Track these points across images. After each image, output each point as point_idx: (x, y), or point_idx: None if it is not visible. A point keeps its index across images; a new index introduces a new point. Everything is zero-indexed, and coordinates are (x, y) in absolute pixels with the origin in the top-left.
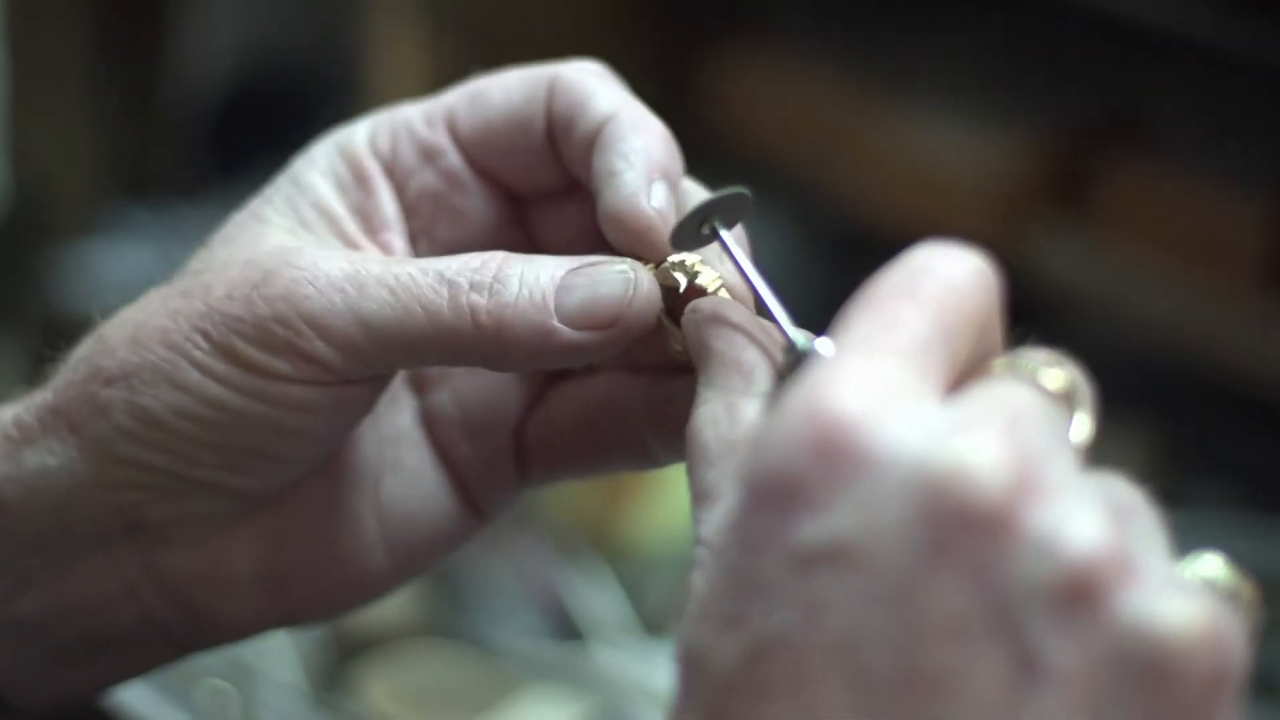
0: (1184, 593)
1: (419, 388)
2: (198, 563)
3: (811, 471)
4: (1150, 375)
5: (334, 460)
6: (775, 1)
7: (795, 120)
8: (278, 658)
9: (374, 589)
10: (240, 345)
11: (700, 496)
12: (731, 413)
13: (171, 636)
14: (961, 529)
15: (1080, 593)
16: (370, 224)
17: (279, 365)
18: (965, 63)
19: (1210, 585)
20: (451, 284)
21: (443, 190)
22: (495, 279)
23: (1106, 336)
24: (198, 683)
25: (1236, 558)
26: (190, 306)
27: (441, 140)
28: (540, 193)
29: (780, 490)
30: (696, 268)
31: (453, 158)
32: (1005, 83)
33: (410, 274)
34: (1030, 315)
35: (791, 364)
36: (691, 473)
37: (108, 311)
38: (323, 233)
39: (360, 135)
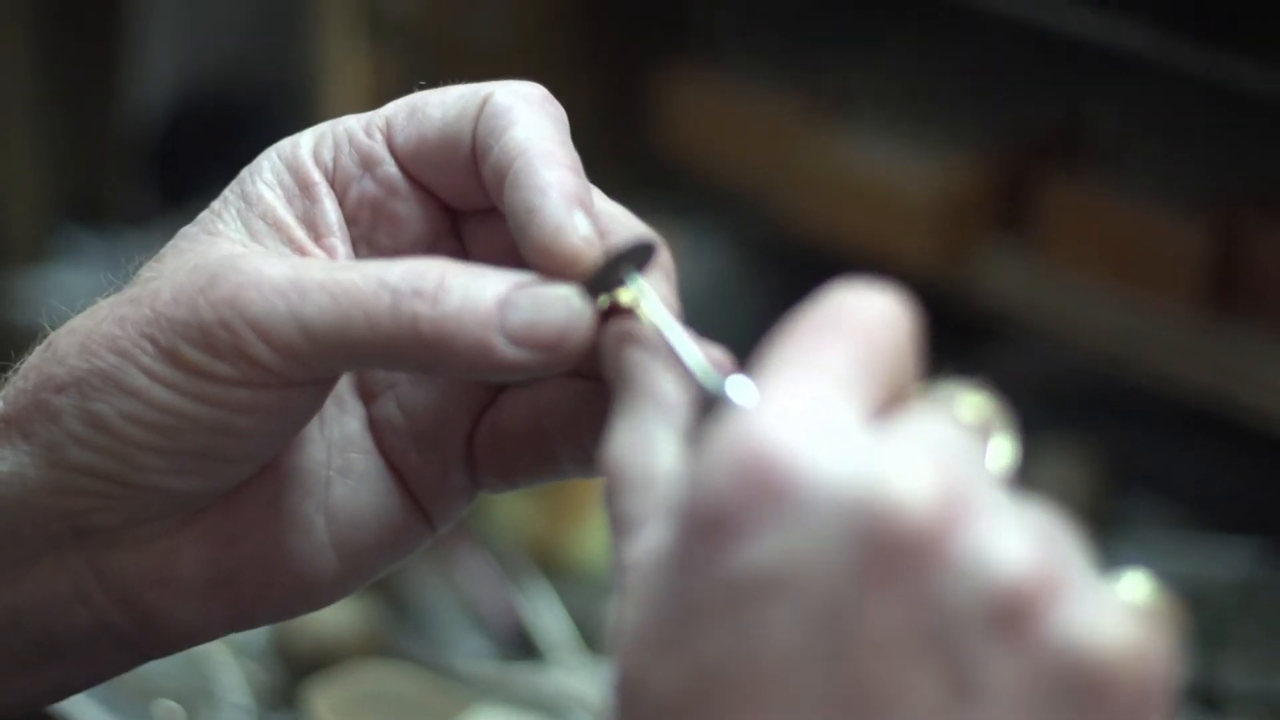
0: (1113, 610)
1: (366, 396)
2: (147, 564)
3: (743, 502)
4: (1093, 392)
5: (283, 463)
6: (718, 21)
7: (737, 138)
8: (227, 678)
9: (323, 593)
10: (185, 349)
11: (621, 524)
12: (650, 442)
13: (123, 640)
14: (893, 552)
15: (1012, 612)
16: (315, 230)
17: (223, 368)
18: (908, 81)
19: (1135, 604)
20: (394, 290)
21: (381, 197)
22: (439, 287)
23: (1048, 353)
24: (149, 703)
25: (1174, 574)
26: (138, 313)
27: (379, 149)
28: (471, 208)
29: (713, 522)
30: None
31: (390, 167)
32: (947, 101)
33: (353, 279)
34: (971, 332)
35: (707, 404)
36: (610, 501)
37: (57, 321)
38: (272, 242)
39: (304, 146)
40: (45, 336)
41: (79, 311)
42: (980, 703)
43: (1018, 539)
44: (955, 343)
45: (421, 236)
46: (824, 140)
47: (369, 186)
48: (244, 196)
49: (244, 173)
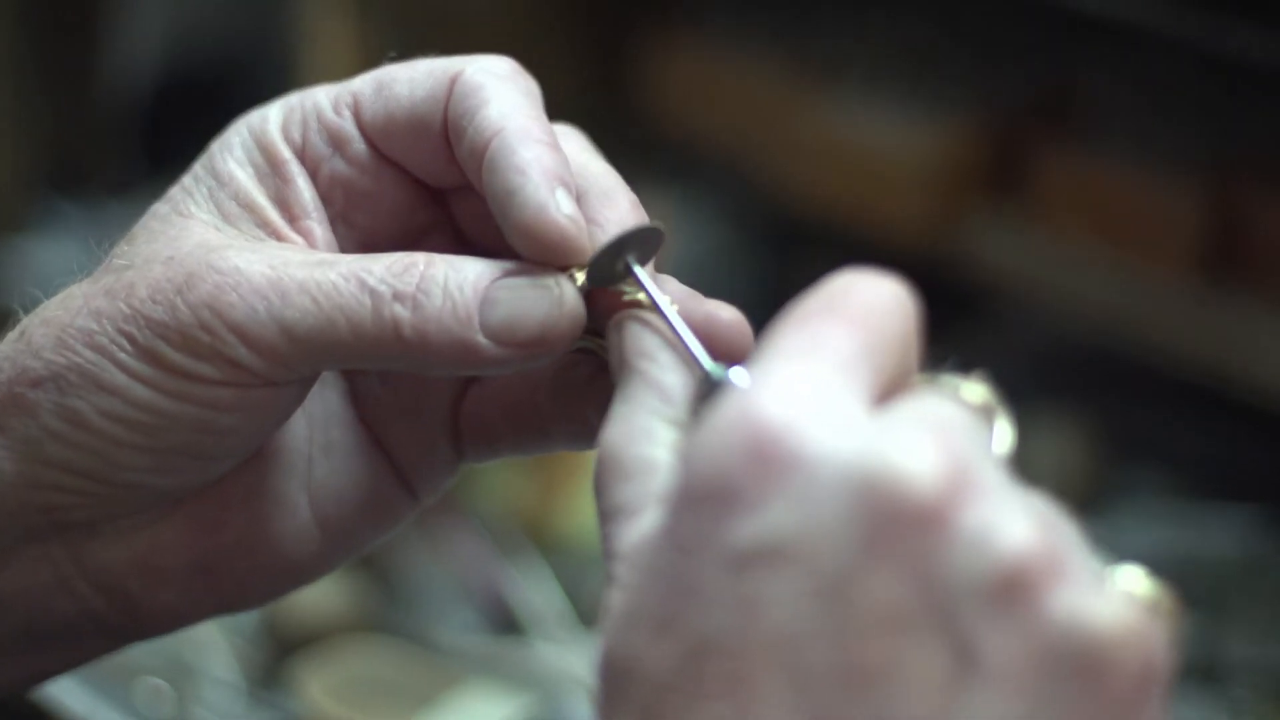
0: (1114, 592)
1: (347, 370)
2: (129, 555)
3: (745, 473)
4: (1086, 361)
5: (265, 445)
6: None
7: (727, 108)
8: (214, 655)
9: (308, 571)
10: (164, 350)
11: (613, 512)
12: (648, 432)
13: (108, 627)
14: (897, 525)
15: (1015, 588)
16: (290, 213)
17: (204, 369)
18: (898, 48)
19: (1132, 596)
20: (374, 293)
21: (353, 176)
22: (419, 288)
23: (1041, 322)
24: (135, 681)
25: (1173, 545)
26: (114, 308)
27: (348, 127)
28: (447, 185)
29: (714, 492)
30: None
31: (359, 145)
32: (939, 67)
33: (333, 281)
34: (964, 301)
35: (707, 393)
36: (603, 487)
37: (29, 305)
38: (246, 226)
39: (273, 122)
40: (17, 322)
41: (52, 289)
42: (981, 678)
43: (1021, 517)
44: (948, 313)
45: (398, 212)
46: (813, 107)
47: (340, 166)
48: (215, 174)
49: (213, 147)
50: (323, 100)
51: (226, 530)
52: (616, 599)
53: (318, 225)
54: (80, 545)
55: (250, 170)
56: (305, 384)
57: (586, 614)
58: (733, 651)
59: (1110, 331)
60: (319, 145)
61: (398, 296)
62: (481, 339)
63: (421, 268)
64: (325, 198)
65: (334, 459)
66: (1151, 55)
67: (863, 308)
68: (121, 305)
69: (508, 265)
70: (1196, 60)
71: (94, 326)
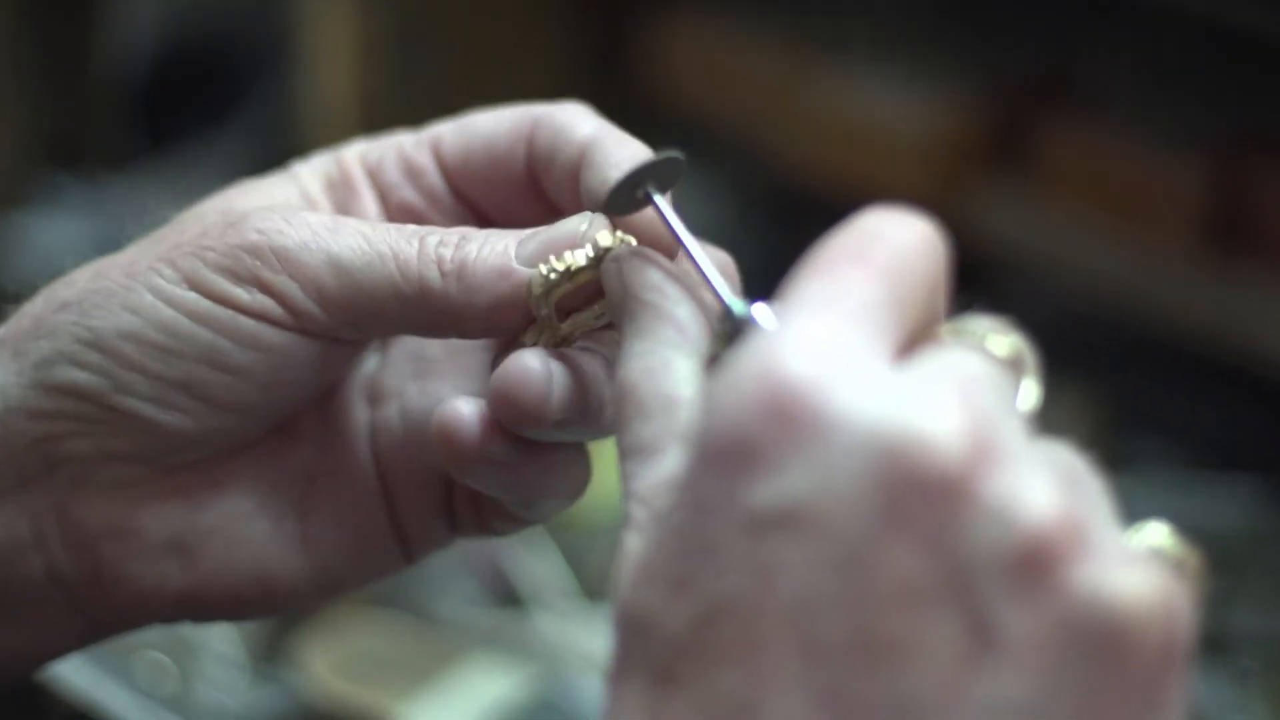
0: (1136, 564)
1: (374, 399)
2: (110, 513)
3: (765, 433)
4: (1091, 334)
5: (269, 444)
6: None
7: (730, 81)
8: (216, 630)
9: (281, 592)
10: (204, 271)
11: (633, 450)
12: (668, 367)
13: (73, 598)
14: (917, 495)
15: (1036, 562)
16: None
17: (238, 293)
18: (902, 20)
19: (1157, 554)
20: (422, 239)
21: (423, 208)
22: (462, 236)
23: (1046, 295)
24: (135, 655)
25: (1179, 517)
26: (160, 247)
27: (425, 161)
28: (513, 223)
29: (733, 452)
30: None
31: (434, 178)
32: (942, 40)
33: (386, 227)
34: (969, 275)
35: (730, 331)
36: (623, 425)
37: (30, 280)
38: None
39: (354, 147)
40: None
41: (61, 259)
42: (998, 655)
43: (1044, 486)
44: (952, 286)
45: None
46: (816, 83)
47: (410, 194)
48: (288, 174)
49: (296, 161)
50: (405, 138)
51: (209, 512)
52: (634, 544)
53: None
54: (65, 494)
55: (322, 179)
56: (324, 358)
57: (590, 587)
58: (746, 617)
59: (1114, 304)
60: (392, 173)
61: (443, 242)
62: (516, 263)
63: (469, 229)
64: (392, 221)
65: (337, 484)
66: (1155, 28)
67: (889, 252)
68: (169, 244)
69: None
70: (1200, 33)
71: (136, 256)
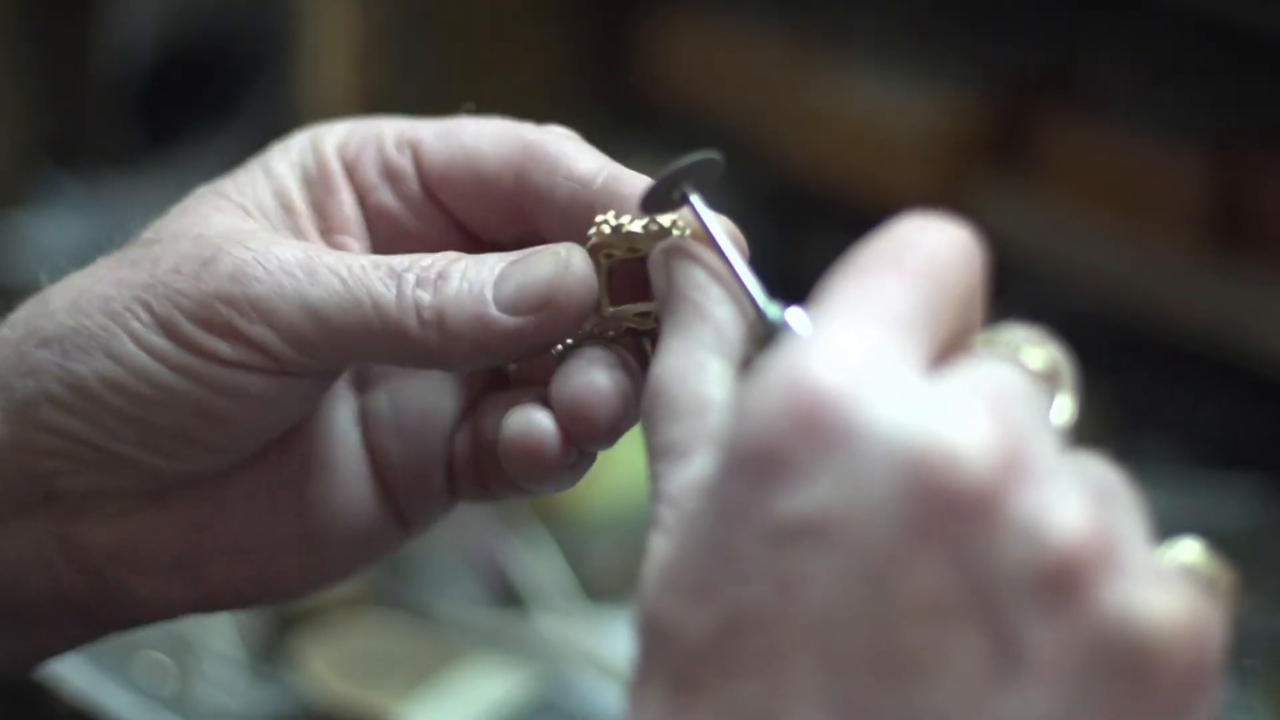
0: (1166, 583)
1: (360, 385)
2: (113, 539)
3: (793, 443)
4: (1092, 331)
5: (264, 454)
6: None
7: (730, 78)
8: (216, 629)
9: (289, 587)
10: (181, 321)
11: (663, 450)
12: (702, 369)
13: (81, 612)
14: (945, 510)
15: (1063, 581)
16: (327, 223)
17: (218, 346)
18: (902, 17)
19: (1189, 571)
20: (400, 278)
21: (400, 213)
22: (439, 275)
23: (1047, 293)
24: (135, 655)
25: (1181, 515)
26: (135, 277)
27: (405, 165)
28: (494, 238)
29: (761, 460)
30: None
31: (412, 183)
32: (942, 36)
33: (362, 265)
34: None
35: (764, 336)
36: (653, 425)
37: (55, 276)
38: (278, 222)
39: (332, 135)
40: (40, 290)
41: (60, 257)
42: (1022, 674)
43: (1074, 504)
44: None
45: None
46: (817, 79)
47: (388, 198)
48: (265, 168)
49: (275, 146)
50: (386, 132)
51: (213, 530)
52: (660, 547)
53: (356, 242)
54: (66, 523)
55: (299, 173)
56: (310, 389)
57: (591, 587)
58: (768, 628)
59: (1115, 301)
60: (371, 173)
61: (420, 283)
62: (494, 310)
63: (448, 259)
64: (370, 225)
65: (332, 477)
66: (1156, 24)
67: (925, 260)
68: (144, 275)
69: (526, 250)
70: (1201, 29)
71: (112, 293)
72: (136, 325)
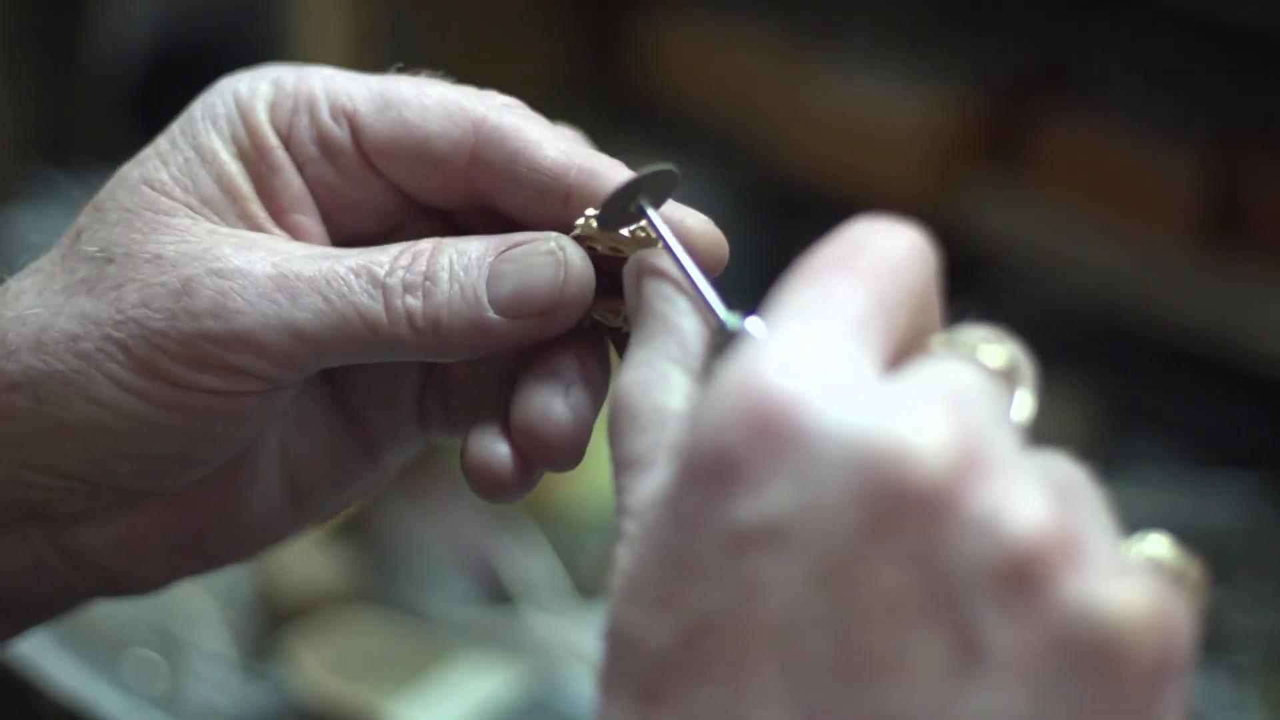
0: (1129, 575)
1: None
2: (108, 539)
3: (747, 448)
4: (1087, 330)
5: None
6: None
7: (724, 76)
8: (206, 627)
9: (279, 536)
10: (164, 362)
11: (627, 463)
12: (665, 380)
13: (89, 595)
14: (901, 509)
15: (1023, 575)
16: (276, 204)
17: (207, 380)
18: (895, 15)
19: (1156, 565)
20: (386, 287)
21: (340, 185)
22: (426, 276)
23: (1042, 291)
24: (125, 653)
25: (1176, 514)
26: (101, 311)
27: (343, 139)
28: (446, 206)
29: (715, 467)
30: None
31: (352, 158)
32: (937, 34)
33: (343, 277)
34: (964, 271)
35: (721, 344)
36: (617, 437)
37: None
38: (225, 211)
39: (261, 102)
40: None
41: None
42: (985, 671)
43: (1033, 497)
44: (946, 282)
45: (384, 217)
46: (811, 76)
47: (326, 171)
48: (195, 146)
49: (195, 110)
50: (319, 96)
51: (204, 509)
52: (624, 559)
53: (308, 219)
54: (60, 532)
55: (234, 149)
56: (301, 382)
57: (581, 584)
58: (730, 634)
59: (1110, 299)
60: (307, 145)
61: (408, 288)
62: (492, 316)
63: (428, 255)
64: (310, 194)
65: (308, 434)
66: (1152, 22)
67: (877, 261)
68: (109, 309)
69: (511, 237)
70: (1197, 27)
71: (77, 330)
72: (114, 367)
